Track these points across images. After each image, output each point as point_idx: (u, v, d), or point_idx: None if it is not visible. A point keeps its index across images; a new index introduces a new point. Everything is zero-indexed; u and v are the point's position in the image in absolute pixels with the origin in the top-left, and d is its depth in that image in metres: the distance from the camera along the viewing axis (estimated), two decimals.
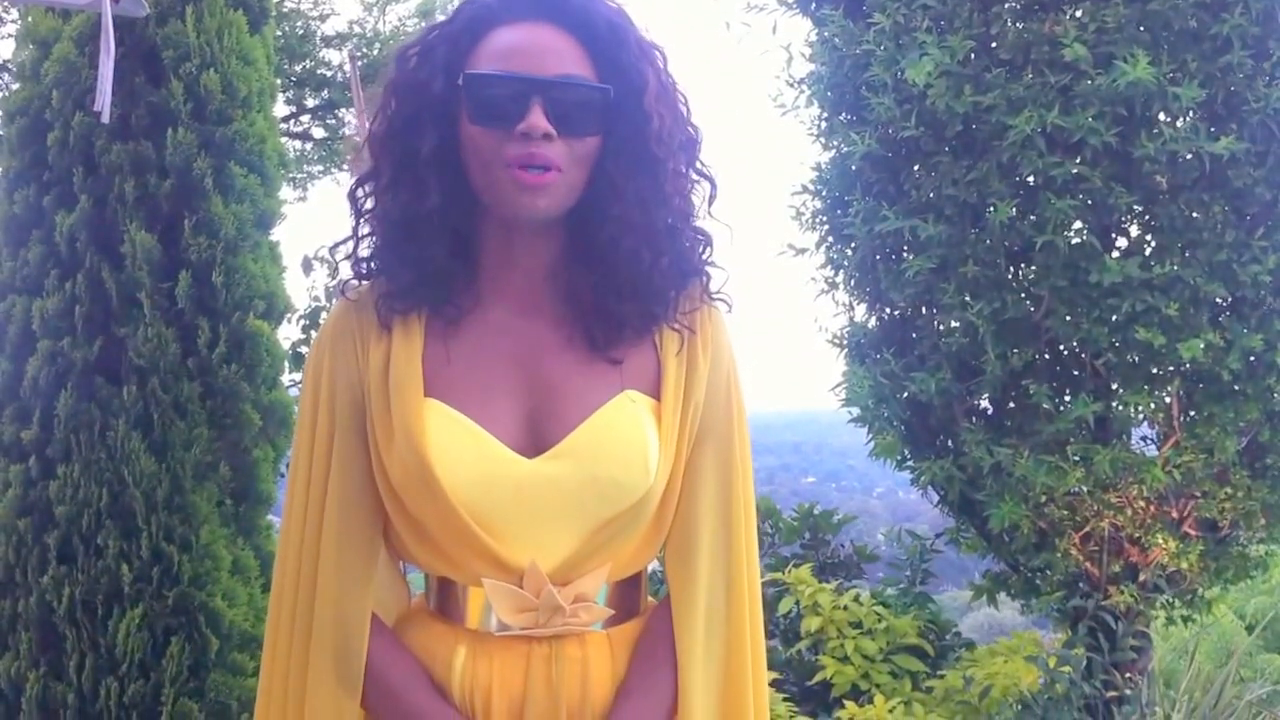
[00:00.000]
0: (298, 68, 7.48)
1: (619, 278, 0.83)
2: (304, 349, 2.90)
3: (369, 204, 0.85)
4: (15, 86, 2.34)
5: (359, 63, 6.44)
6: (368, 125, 0.86)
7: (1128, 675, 2.37)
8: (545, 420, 0.83)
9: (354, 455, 0.83)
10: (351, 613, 0.83)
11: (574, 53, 0.81)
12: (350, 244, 0.86)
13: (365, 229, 0.86)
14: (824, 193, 2.67)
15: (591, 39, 0.82)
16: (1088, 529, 2.44)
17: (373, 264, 0.85)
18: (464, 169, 0.82)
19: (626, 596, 0.87)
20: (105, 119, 1.82)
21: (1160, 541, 2.42)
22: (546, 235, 0.84)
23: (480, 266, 0.85)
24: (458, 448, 0.81)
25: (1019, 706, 2.27)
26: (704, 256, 0.87)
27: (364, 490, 0.84)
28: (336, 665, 0.83)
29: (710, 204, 0.87)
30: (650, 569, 0.98)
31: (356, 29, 7.78)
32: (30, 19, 2.30)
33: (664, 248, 0.84)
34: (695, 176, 0.86)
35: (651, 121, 0.82)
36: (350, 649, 0.83)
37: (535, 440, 0.83)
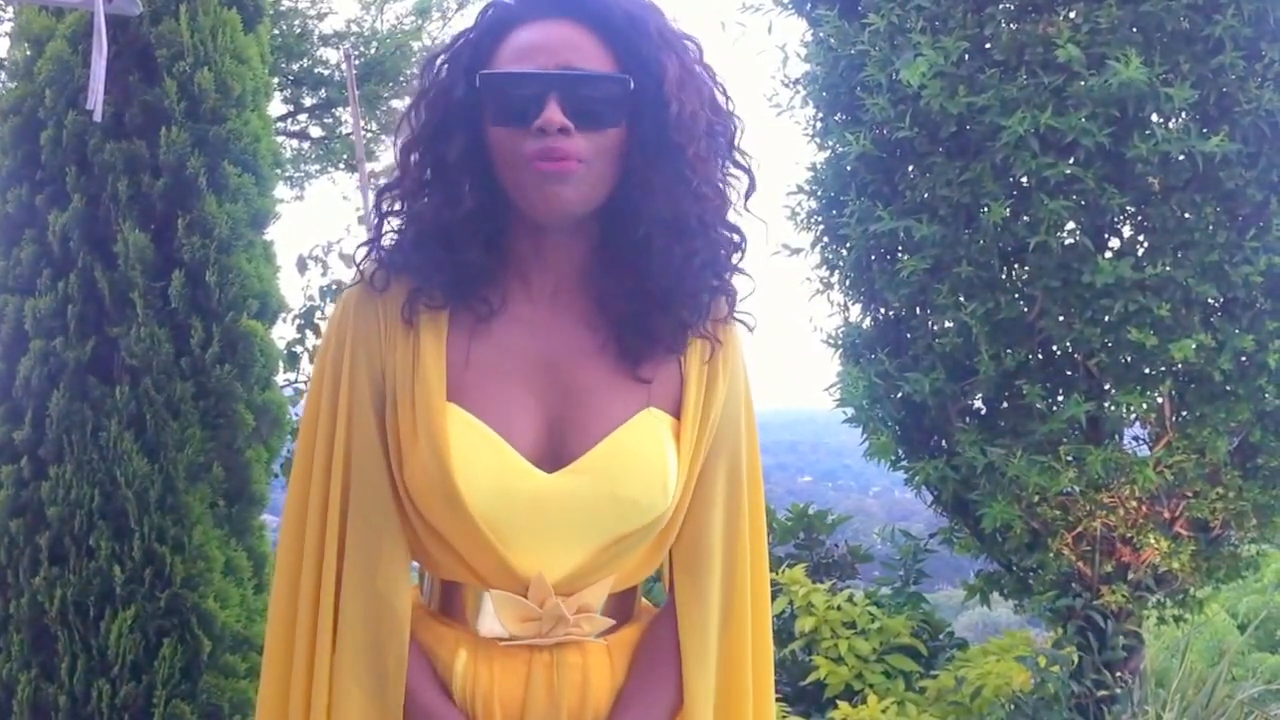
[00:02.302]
0: (295, 66, 7.46)
1: (651, 282, 0.81)
2: (299, 349, 2.90)
3: (395, 206, 0.85)
4: (9, 85, 2.33)
5: (356, 61, 6.44)
6: (380, 127, 0.86)
7: (1119, 675, 2.38)
8: (567, 430, 0.82)
9: (376, 442, 0.82)
10: (390, 605, 0.81)
11: (592, 47, 0.80)
12: (374, 240, 0.85)
13: (390, 227, 0.85)
14: (819, 193, 2.68)
15: (610, 32, 0.81)
16: (1080, 529, 2.45)
17: (400, 259, 0.84)
18: (491, 171, 0.82)
19: (624, 604, 0.87)
20: (98, 117, 1.81)
21: (1152, 541, 2.43)
22: (578, 234, 0.83)
23: (510, 266, 0.84)
24: (477, 457, 0.80)
25: (1011, 706, 2.28)
26: (735, 260, 0.84)
27: (390, 480, 0.82)
28: (374, 664, 0.80)
29: (747, 199, 0.84)
30: None
31: (354, 27, 7.77)
32: (24, 17, 2.29)
33: (695, 246, 0.81)
34: (732, 169, 0.83)
35: (669, 107, 0.79)
36: (387, 649, 0.81)
37: (555, 450, 0.82)
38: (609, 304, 0.83)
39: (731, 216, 0.84)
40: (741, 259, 0.85)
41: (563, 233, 0.82)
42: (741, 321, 0.87)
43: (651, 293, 0.81)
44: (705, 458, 0.85)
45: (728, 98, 0.84)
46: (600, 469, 0.81)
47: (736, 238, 0.84)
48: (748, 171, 0.84)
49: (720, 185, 0.83)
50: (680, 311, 0.83)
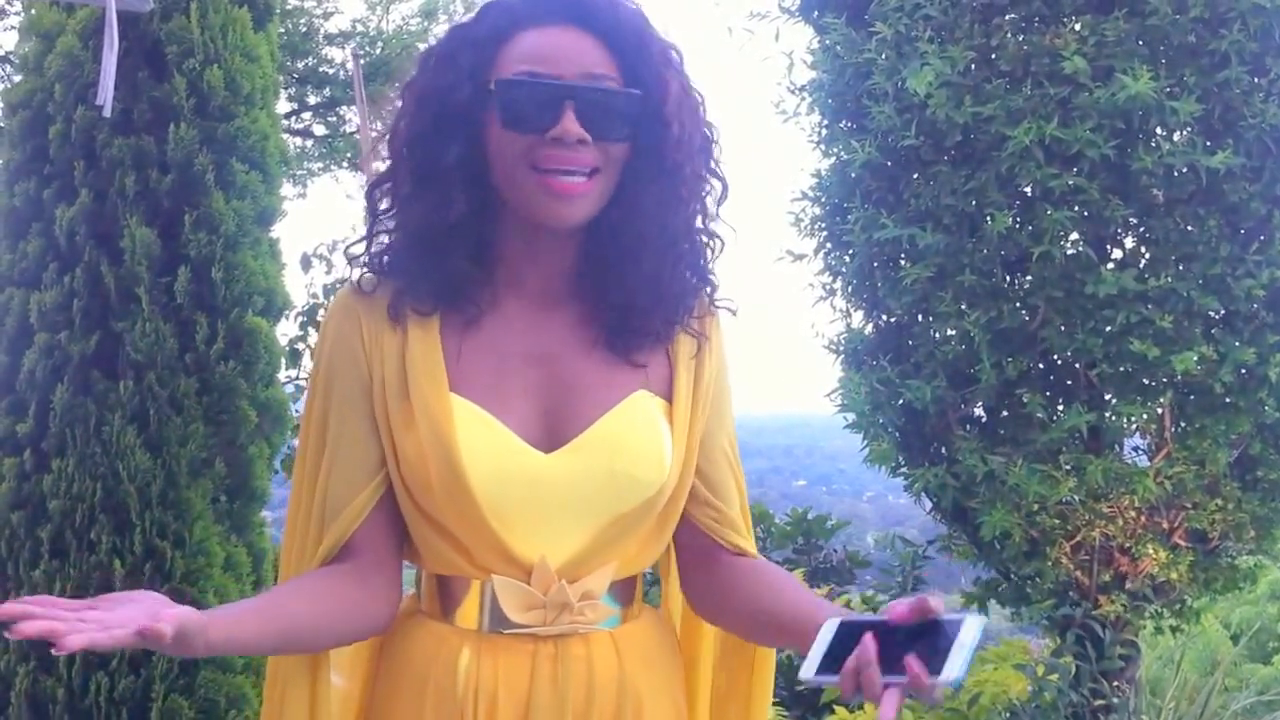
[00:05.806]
0: (300, 65, 7.49)
1: (639, 286, 0.84)
2: (302, 346, 2.90)
3: (385, 204, 0.85)
4: (18, 79, 2.34)
5: (361, 61, 6.45)
6: (385, 126, 0.86)
7: (1115, 684, 2.39)
8: (562, 416, 0.84)
9: (361, 439, 0.83)
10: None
11: (601, 57, 0.81)
12: (364, 243, 0.86)
13: (381, 229, 0.86)
14: (823, 200, 2.68)
15: (617, 44, 0.82)
16: (1079, 538, 2.46)
17: (388, 263, 0.85)
18: (488, 173, 0.82)
19: (626, 593, 0.87)
20: (107, 113, 1.82)
21: (1150, 552, 2.43)
22: (568, 236, 0.84)
23: (499, 266, 0.85)
24: (476, 440, 0.81)
25: (1007, 714, 2.28)
26: (714, 260, 0.88)
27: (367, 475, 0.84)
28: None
29: (720, 204, 0.88)
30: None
31: (360, 27, 7.80)
32: (34, 11, 2.30)
33: (681, 254, 0.85)
34: (709, 178, 0.87)
35: (672, 128, 0.82)
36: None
37: (551, 436, 0.83)
38: (599, 301, 0.85)
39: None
40: (718, 257, 0.89)
41: (555, 235, 0.84)
42: (727, 308, 0.91)
43: (639, 292, 0.84)
44: (704, 437, 0.87)
45: (705, 107, 0.87)
46: (597, 446, 0.82)
47: (717, 241, 0.88)
48: (722, 180, 0.88)
49: (705, 196, 0.86)
50: (668, 308, 0.85)
